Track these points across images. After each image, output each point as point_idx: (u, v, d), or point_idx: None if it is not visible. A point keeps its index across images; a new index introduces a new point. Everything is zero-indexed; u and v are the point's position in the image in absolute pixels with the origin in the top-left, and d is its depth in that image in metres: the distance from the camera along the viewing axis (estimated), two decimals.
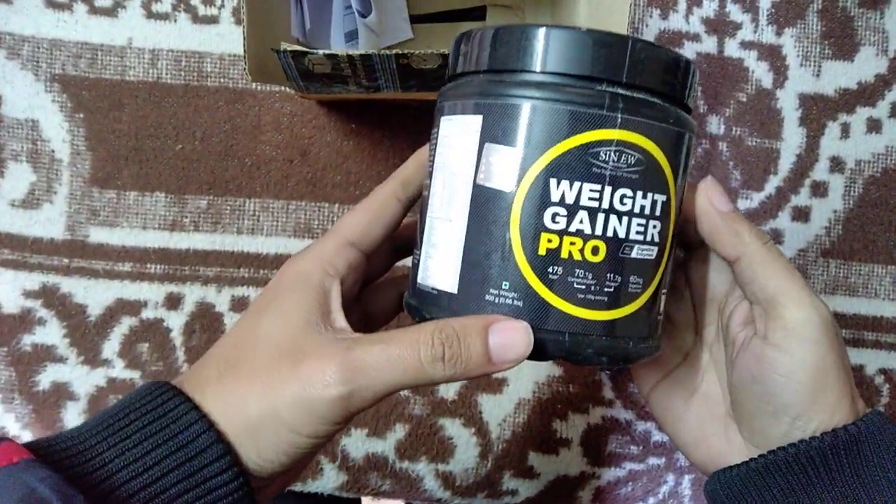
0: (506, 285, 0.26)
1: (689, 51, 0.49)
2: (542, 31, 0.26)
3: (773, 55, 0.50)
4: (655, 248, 0.27)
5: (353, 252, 0.30)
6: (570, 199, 0.26)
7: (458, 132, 0.28)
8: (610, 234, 0.26)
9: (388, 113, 0.48)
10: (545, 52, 0.26)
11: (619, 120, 0.26)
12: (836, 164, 0.50)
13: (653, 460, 0.49)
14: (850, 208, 0.50)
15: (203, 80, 0.48)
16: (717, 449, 0.32)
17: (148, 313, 0.47)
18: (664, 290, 0.29)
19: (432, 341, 0.26)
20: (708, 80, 0.49)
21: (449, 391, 0.48)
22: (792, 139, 0.50)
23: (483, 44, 0.28)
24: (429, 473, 0.48)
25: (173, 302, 0.48)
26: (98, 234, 0.47)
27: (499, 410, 0.49)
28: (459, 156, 0.28)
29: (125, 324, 0.47)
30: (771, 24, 0.50)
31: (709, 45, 0.50)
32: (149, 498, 0.25)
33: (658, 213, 0.27)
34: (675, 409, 0.34)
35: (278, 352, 0.27)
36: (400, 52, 0.35)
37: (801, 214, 0.50)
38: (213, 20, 0.48)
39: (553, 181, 0.26)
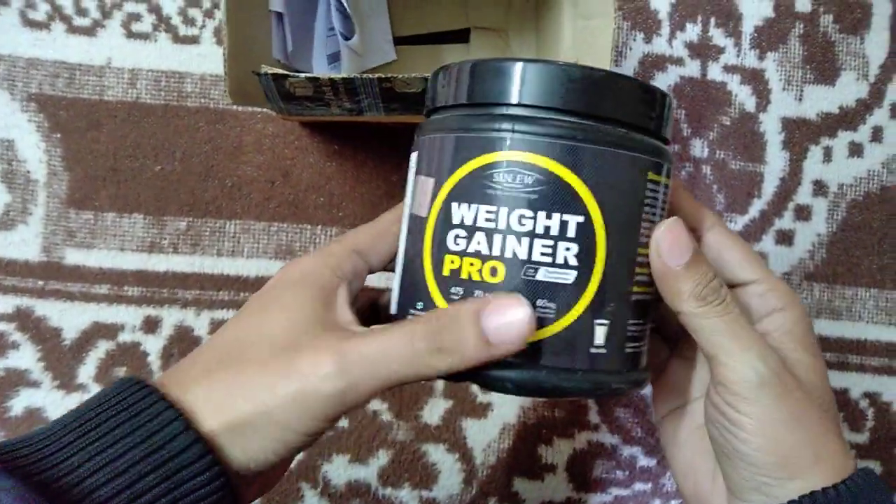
0: (420, 305, 0.28)
1: (672, 75, 0.50)
2: (444, 70, 0.29)
3: (755, 79, 0.50)
4: (573, 272, 0.26)
5: (359, 260, 0.30)
6: (468, 221, 0.27)
7: (410, 168, 0.31)
8: (509, 254, 0.26)
9: (371, 134, 0.48)
10: (448, 88, 0.29)
11: (509, 141, 0.26)
12: (819, 188, 0.50)
13: (639, 486, 0.49)
14: (833, 232, 0.50)
15: (183, 101, 0.47)
16: (703, 487, 0.31)
17: (125, 336, 0.46)
18: (631, 321, 0.28)
19: (426, 331, 0.25)
20: (691, 103, 0.50)
21: (433, 416, 0.48)
22: (775, 163, 0.50)
23: (428, 86, 0.31)
24: (412, 500, 0.47)
25: (151, 325, 0.47)
26: (74, 256, 0.46)
27: (483, 435, 0.48)
28: (406, 188, 0.30)
29: (101, 347, 0.46)
30: (753, 48, 0.50)
31: (692, 68, 0.50)
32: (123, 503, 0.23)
33: (572, 234, 0.26)
34: (678, 438, 0.33)
35: (276, 348, 0.26)
36: (383, 75, 0.34)
37: (785, 238, 0.50)
38: (193, 40, 0.47)
39: (454, 205, 0.27)
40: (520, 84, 0.27)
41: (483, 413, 0.48)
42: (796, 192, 0.50)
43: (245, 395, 0.25)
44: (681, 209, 0.31)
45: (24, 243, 0.46)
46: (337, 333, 0.26)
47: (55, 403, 0.46)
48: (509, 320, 0.25)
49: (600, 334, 0.27)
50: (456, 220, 0.27)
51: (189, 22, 0.47)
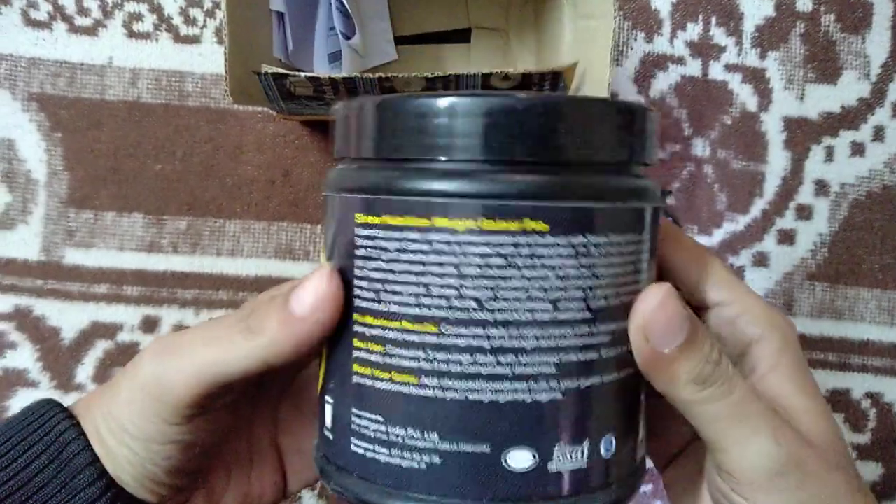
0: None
1: (674, 74, 0.50)
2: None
3: (757, 78, 0.50)
4: None
5: None
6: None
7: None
8: None
9: None
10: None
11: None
12: (821, 188, 0.50)
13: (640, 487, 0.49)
14: (835, 231, 0.50)
15: (184, 100, 0.47)
16: None
17: (124, 336, 0.46)
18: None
19: (238, 315, 0.25)
20: (693, 102, 0.49)
21: None
22: (777, 162, 0.50)
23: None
24: None
25: (150, 325, 0.46)
26: (74, 256, 0.46)
27: None
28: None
29: (100, 347, 0.46)
30: (755, 47, 0.50)
31: (693, 67, 0.50)
32: None
33: None
34: (686, 484, 0.29)
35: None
36: (383, 75, 0.34)
37: (787, 237, 0.50)
38: (194, 40, 0.47)
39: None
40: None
41: None
42: (798, 191, 0.50)
43: (102, 404, 0.26)
44: None
45: (23, 243, 0.46)
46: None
47: None
48: (311, 283, 0.23)
49: None
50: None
51: (190, 22, 0.47)
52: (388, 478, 0.22)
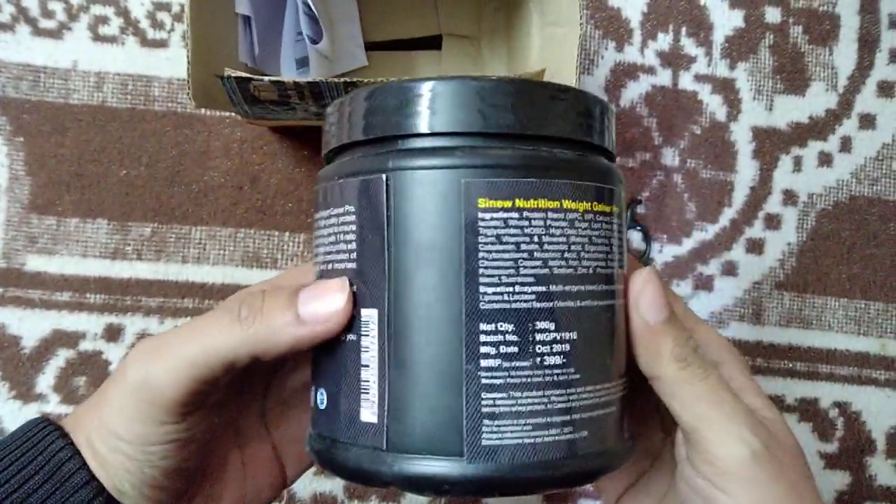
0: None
1: (644, 83, 0.50)
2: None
3: (726, 88, 0.50)
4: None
5: None
6: None
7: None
8: None
9: None
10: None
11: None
12: (789, 197, 0.50)
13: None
14: (803, 241, 0.50)
15: (150, 105, 0.46)
16: None
17: (86, 345, 0.45)
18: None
19: (234, 301, 0.25)
20: (663, 112, 0.50)
21: None
22: (745, 172, 0.50)
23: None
24: None
25: (113, 333, 0.46)
26: (35, 263, 0.45)
27: None
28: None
29: (61, 356, 0.45)
30: (724, 57, 0.50)
31: (664, 77, 0.50)
32: None
33: None
34: None
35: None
36: (349, 79, 0.34)
37: (756, 246, 0.50)
38: (161, 44, 0.47)
39: None
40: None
41: None
42: (766, 200, 0.50)
43: (92, 413, 0.25)
44: None
45: None
46: None
47: (12, 414, 0.44)
48: (326, 292, 0.23)
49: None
50: None
51: (157, 25, 0.47)
52: None
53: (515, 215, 0.23)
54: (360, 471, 0.23)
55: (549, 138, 0.24)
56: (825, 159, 0.51)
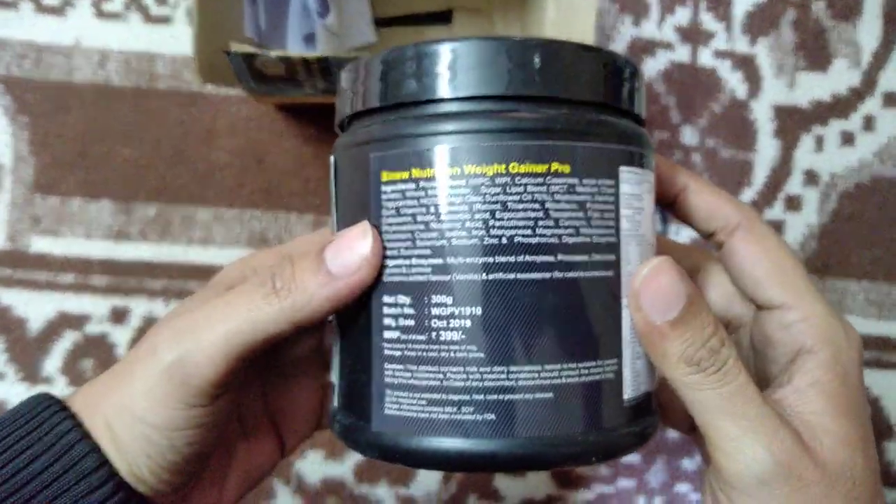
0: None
1: (662, 59, 0.48)
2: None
3: (746, 65, 0.49)
4: None
5: None
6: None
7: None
8: None
9: None
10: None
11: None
12: (811, 178, 0.49)
13: (623, 482, 0.48)
14: (824, 223, 0.49)
15: (154, 83, 0.45)
16: None
17: (92, 328, 0.45)
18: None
19: (264, 276, 0.24)
20: (681, 89, 0.48)
21: None
22: (766, 151, 0.49)
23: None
24: (389, 498, 0.46)
25: (118, 316, 0.45)
26: (40, 244, 0.45)
27: None
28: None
29: (68, 339, 0.45)
30: (745, 33, 0.49)
31: (682, 53, 0.48)
32: None
33: None
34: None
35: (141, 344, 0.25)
36: (358, 55, 0.33)
37: (776, 228, 0.49)
38: (165, 20, 0.46)
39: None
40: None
41: None
42: (787, 181, 0.49)
43: (112, 392, 0.24)
44: (689, 201, 0.27)
45: None
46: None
47: (19, 396, 0.44)
48: (349, 243, 0.23)
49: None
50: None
51: (161, 1, 0.46)
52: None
53: (412, 185, 0.22)
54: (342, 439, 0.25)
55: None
56: (847, 139, 0.49)
